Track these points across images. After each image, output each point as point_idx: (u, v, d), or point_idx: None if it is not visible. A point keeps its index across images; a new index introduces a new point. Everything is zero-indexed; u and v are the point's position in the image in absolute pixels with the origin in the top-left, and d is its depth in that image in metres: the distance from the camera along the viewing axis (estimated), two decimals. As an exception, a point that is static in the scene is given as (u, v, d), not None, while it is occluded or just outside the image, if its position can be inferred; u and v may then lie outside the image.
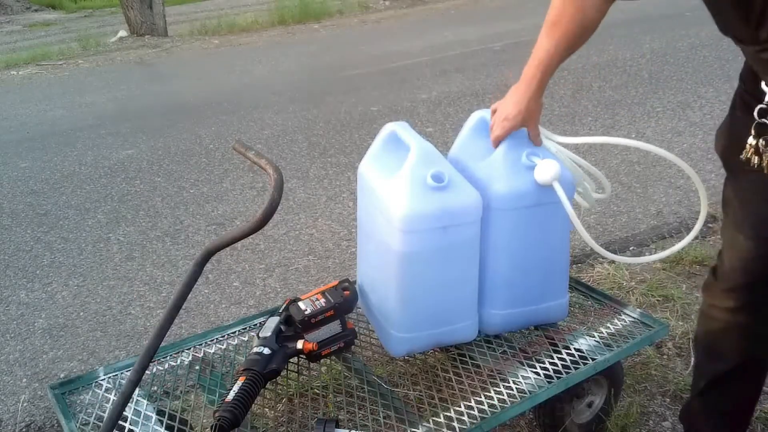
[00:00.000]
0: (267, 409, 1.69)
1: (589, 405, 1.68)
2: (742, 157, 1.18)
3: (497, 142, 1.49)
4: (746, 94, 1.21)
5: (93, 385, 1.50)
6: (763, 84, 1.14)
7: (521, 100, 1.41)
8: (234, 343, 1.66)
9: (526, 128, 1.47)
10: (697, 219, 1.49)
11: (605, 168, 3.31)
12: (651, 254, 2.59)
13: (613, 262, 2.47)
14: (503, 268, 1.52)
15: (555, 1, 1.31)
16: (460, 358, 1.55)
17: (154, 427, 1.37)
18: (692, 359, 2.00)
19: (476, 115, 1.64)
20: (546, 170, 1.41)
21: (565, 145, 1.52)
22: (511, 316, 1.56)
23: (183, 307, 1.22)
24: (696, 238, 1.71)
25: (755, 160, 1.16)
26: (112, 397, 1.46)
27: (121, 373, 1.54)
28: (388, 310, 1.51)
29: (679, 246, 1.55)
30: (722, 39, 1.22)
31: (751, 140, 1.16)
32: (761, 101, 1.15)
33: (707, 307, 1.42)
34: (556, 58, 1.35)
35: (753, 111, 1.15)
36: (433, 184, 1.38)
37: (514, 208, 1.46)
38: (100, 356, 2.26)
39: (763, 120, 1.14)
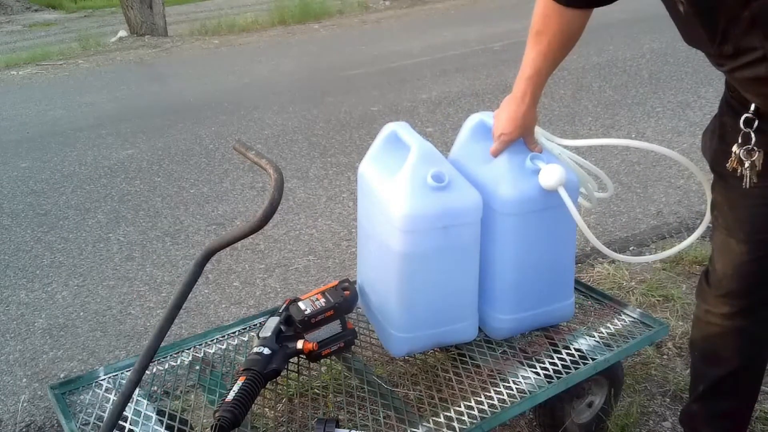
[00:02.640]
0: (267, 409, 1.69)
1: (589, 405, 1.68)
2: (728, 165, 1.18)
3: (497, 155, 1.49)
4: (733, 100, 1.19)
5: (93, 385, 1.50)
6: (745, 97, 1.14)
7: (516, 116, 1.41)
8: (234, 343, 1.66)
9: (524, 140, 1.48)
10: (697, 218, 1.49)
11: (605, 168, 3.30)
12: (651, 254, 2.59)
13: (613, 262, 2.47)
14: (511, 272, 1.51)
15: (536, 12, 1.30)
16: (460, 358, 1.54)
17: (154, 427, 1.37)
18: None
19: (474, 118, 1.63)
20: (551, 175, 1.41)
21: (567, 148, 1.51)
22: (519, 320, 1.56)
23: (183, 307, 1.22)
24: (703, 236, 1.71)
25: (739, 169, 1.16)
26: (112, 397, 1.46)
27: (121, 373, 1.53)
28: (388, 310, 1.51)
29: (686, 243, 1.54)
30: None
31: (735, 148, 1.16)
32: (747, 108, 1.13)
33: (702, 312, 1.40)
34: (545, 70, 1.35)
35: (740, 118, 1.14)
36: (433, 184, 1.38)
37: (521, 213, 1.46)
38: (100, 356, 2.26)
39: (748, 129, 1.13)
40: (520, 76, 1.38)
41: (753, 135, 1.13)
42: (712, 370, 1.42)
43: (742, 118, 1.14)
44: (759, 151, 1.14)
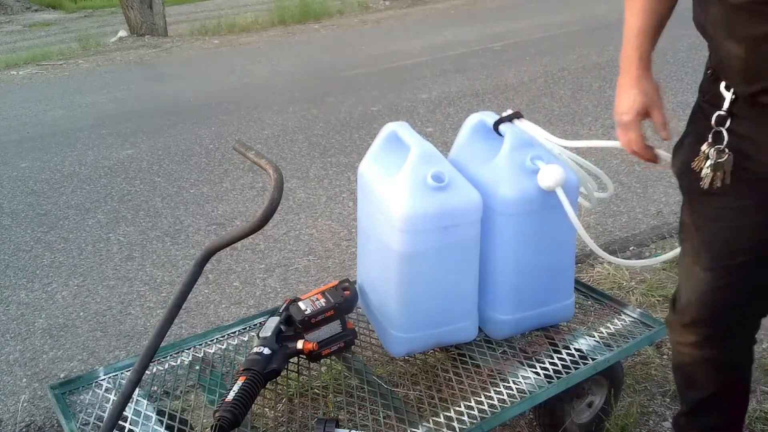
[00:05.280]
0: (267, 409, 1.69)
1: (589, 405, 1.68)
2: (694, 165, 1.11)
3: (626, 142, 1.29)
4: (705, 104, 1.14)
5: (93, 385, 1.50)
6: (722, 87, 1.08)
7: (630, 89, 1.23)
8: (234, 343, 1.66)
9: (651, 117, 1.27)
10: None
11: (605, 168, 3.30)
12: (651, 254, 2.59)
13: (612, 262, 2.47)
14: (511, 272, 1.51)
15: None
16: (460, 358, 1.54)
17: (154, 427, 1.37)
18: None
19: (474, 118, 1.63)
20: (550, 175, 1.41)
21: (567, 148, 1.51)
22: (520, 320, 1.56)
23: (183, 307, 1.22)
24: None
25: (706, 170, 1.09)
26: (112, 397, 1.46)
27: (121, 373, 1.54)
28: (388, 310, 1.51)
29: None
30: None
31: (704, 147, 1.10)
32: (720, 108, 1.08)
33: (673, 342, 1.35)
34: (648, 28, 1.20)
35: (711, 119, 1.09)
36: (433, 184, 1.38)
37: (521, 213, 1.46)
38: (100, 356, 2.26)
39: (720, 128, 1.08)
40: (624, 49, 1.23)
41: (725, 134, 1.07)
42: (692, 393, 1.38)
43: (715, 116, 1.08)
44: (729, 154, 1.07)
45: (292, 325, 1.49)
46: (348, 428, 1.34)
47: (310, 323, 1.48)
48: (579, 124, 4.15)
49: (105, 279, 2.77)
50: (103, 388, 1.49)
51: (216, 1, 13.33)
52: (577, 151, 1.53)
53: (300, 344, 1.45)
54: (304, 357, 1.51)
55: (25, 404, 2.05)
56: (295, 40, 8.16)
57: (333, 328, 1.51)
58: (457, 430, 1.32)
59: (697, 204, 1.19)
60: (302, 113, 4.86)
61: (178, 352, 1.62)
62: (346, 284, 1.57)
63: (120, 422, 1.26)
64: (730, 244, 1.15)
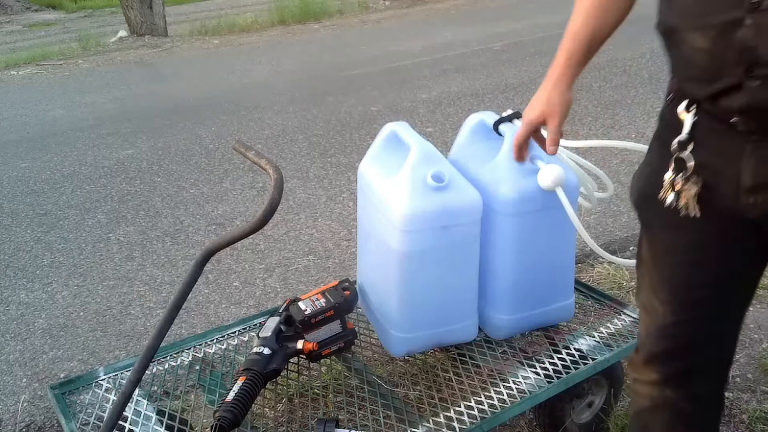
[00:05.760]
0: (267, 409, 1.69)
1: (589, 405, 1.68)
2: (660, 195, 1.02)
3: (516, 149, 1.38)
4: (665, 130, 1.05)
5: (93, 385, 1.50)
6: (681, 109, 0.98)
7: (541, 95, 1.22)
8: (234, 343, 1.66)
9: (546, 127, 1.26)
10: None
11: (605, 168, 3.30)
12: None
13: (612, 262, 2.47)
14: (511, 272, 1.51)
15: None
16: (460, 358, 1.54)
17: (154, 427, 1.37)
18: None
19: (474, 118, 1.63)
20: (549, 175, 1.41)
21: (567, 148, 1.51)
22: (520, 320, 1.56)
23: (183, 307, 1.22)
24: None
25: (671, 197, 1.01)
26: (112, 397, 1.46)
27: (121, 373, 1.53)
28: (388, 310, 1.51)
29: None
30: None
31: (668, 175, 1.00)
32: (680, 133, 0.98)
33: (632, 382, 1.22)
34: (583, 41, 1.14)
35: (671, 146, 1.00)
36: (433, 184, 1.38)
37: (521, 212, 1.46)
38: (100, 356, 2.26)
39: (682, 154, 0.98)
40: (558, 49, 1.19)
41: (688, 160, 0.98)
42: None
43: (675, 142, 0.99)
44: (696, 181, 0.98)
45: (292, 325, 1.49)
46: (348, 428, 1.34)
47: (310, 323, 1.48)
48: (579, 124, 4.15)
49: (105, 279, 2.77)
50: (103, 388, 1.49)
51: (216, 1, 13.33)
52: (577, 151, 1.53)
53: (300, 344, 1.45)
54: (304, 357, 1.51)
55: (25, 404, 2.05)
56: (295, 40, 8.16)
57: (333, 328, 1.51)
58: (457, 430, 1.32)
59: (655, 237, 1.12)
60: (302, 113, 4.86)
61: (178, 352, 1.62)
62: (346, 284, 1.57)
63: (120, 422, 1.26)
64: (688, 279, 1.07)
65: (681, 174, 0.98)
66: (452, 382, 1.46)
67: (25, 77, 6.93)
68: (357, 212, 1.68)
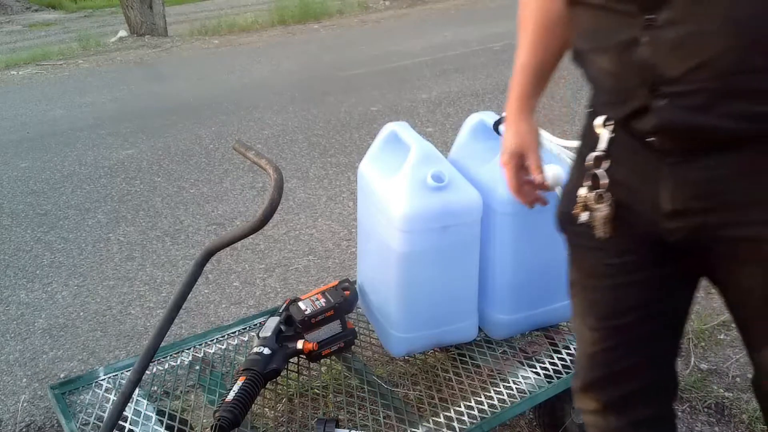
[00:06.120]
0: (267, 409, 1.69)
1: (589, 405, 1.68)
2: (574, 211, 0.97)
3: (517, 194, 1.22)
4: (584, 147, 0.99)
5: (93, 385, 1.50)
6: (597, 123, 0.93)
7: (509, 132, 1.16)
8: (234, 343, 1.66)
9: (526, 159, 1.17)
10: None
11: (605, 168, 3.31)
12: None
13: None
14: (511, 272, 1.51)
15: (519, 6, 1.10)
16: (460, 358, 1.55)
17: (154, 427, 1.37)
18: (692, 358, 2.00)
19: (474, 118, 1.63)
20: (549, 175, 1.40)
21: (567, 148, 1.51)
22: (519, 320, 1.56)
23: (183, 307, 1.22)
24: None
25: (584, 216, 0.96)
26: (112, 397, 1.46)
27: (121, 373, 1.53)
28: (388, 310, 1.51)
29: None
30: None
31: (581, 191, 0.95)
32: (595, 149, 0.93)
33: (582, 414, 1.16)
34: (531, 73, 1.11)
35: (587, 161, 0.95)
36: (433, 184, 1.38)
37: (521, 212, 1.45)
38: (100, 356, 2.26)
39: (596, 171, 0.93)
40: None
41: (602, 176, 0.93)
42: None
43: (591, 157, 0.94)
44: (609, 200, 0.93)
45: (292, 325, 1.49)
46: (348, 428, 1.34)
47: (310, 323, 1.48)
48: (579, 124, 4.14)
49: (105, 279, 2.77)
50: (103, 388, 1.49)
51: (216, 1, 13.33)
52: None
53: (300, 344, 1.45)
54: (304, 357, 1.51)
55: (25, 404, 2.05)
56: (295, 40, 8.16)
57: (333, 328, 1.51)
58: (457, 430, 1.32)
59: (580, 258, 1.06)
60: (302, 113, 4.86)
61: (178, 352, 1.62)
62: (346, 284, 1.57)
63: (120, 422, 1.26)
64: (613, 304, 1.02)
65: (594, 191, 0.93)
66: (452, 382, 1.46)
67: (25, 77, 6.93)
68: (357, 212, 1.68)
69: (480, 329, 1.59)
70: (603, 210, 0.93)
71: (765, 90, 0.76)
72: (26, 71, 7.18)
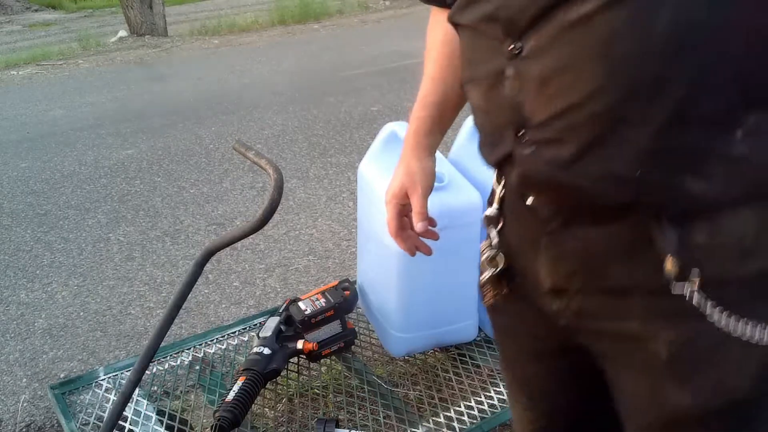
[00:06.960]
0: (267, 409, 1.69)
1: (589, 405, 1.68)
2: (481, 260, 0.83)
3: (396, 238, 1.05)
4: (487, 203, 0.86)
5: (93, 385, 1.50)
6: (494, 177, 0.83)
7: (399, 167, 1.00)
8: (234, 343, 1.66)
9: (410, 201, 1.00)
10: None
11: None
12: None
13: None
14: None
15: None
16: (460, 358, 1.55)
17: (154, 427, 1.37)
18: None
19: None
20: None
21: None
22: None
23: (183, 307, 1.22)
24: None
25: (483, 280, 0.83)
26: (112, 397, 1.46)
27: (121, 373, 1.54)
28: (388, 310, 1.51)
29: None
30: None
31: (483, 245, 0.83)
32: (491, 204, 0.82)
33: None
34: (433, 108, 0.97)
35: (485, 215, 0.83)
36: (433, 184, 1.38)
37: None
38: (100, 356, 2.26)
39: (489, 229, 0.81)
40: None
41: (494, 236, 0.80)
42: None
43: (483, 215, 0.83)
44: (500, 262, 0.80)
45: (292, 325, 1.49)
46: (348, 428, 1.34)
47: (310, 323, 1.48)
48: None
49: (105, 279, 2.77)
50: (103, 388, 1.49)
51: (216, 1, 13.33)
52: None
53: (300, 344, 1.45)
54: (304, 357, 1.51)
55: (25, 404, 2.05)
56: (295, 40, 8.16)
57: (333, 328, 1.51)
58: (457, 430, 1.32)
59: (495, 320, 0.93)
60: (302, 113, 4.87)
61: (178, 352, 1.62)
62: (346, 284, 1.58)
63: (120, 422, 1.26)
64: (539, 383, 0.89)
65: (487, 251, 0.80)
66: (452, 382, 1.47)
67: (25, 77, 6.93)
68: (357, 212, 1.68)
69: (480, 329, 1.59)
70: (488, 273, 0.80)
71: (641, 149, 0.58)
72: (26, 71, 7.18)
